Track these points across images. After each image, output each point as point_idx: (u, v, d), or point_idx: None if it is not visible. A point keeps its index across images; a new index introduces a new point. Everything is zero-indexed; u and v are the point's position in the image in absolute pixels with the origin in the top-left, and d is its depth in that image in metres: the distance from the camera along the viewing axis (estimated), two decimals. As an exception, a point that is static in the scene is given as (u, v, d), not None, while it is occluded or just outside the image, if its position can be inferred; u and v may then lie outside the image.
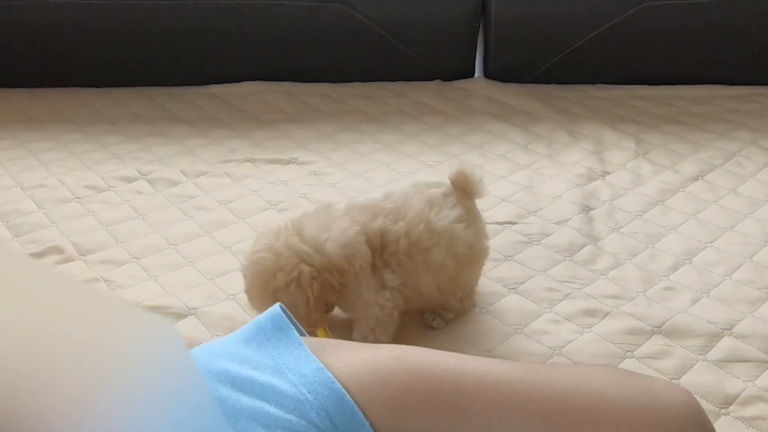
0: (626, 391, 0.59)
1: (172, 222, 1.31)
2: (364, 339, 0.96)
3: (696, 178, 1.41)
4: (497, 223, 1.26)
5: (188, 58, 1.89)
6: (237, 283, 1.12)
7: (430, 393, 0.53)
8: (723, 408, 0.89)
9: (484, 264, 1.05)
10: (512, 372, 0.57)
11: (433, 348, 0.94)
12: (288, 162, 1.51)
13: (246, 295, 0.97)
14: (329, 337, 0.96)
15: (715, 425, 0.86)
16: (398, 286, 0.95)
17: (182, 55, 1.88)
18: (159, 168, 1.49)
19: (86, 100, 1.83)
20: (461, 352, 0.96)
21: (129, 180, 1.44)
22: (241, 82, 1.87)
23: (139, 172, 1.46)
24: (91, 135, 1.65)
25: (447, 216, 0.96)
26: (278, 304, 0.66)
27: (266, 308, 0.90)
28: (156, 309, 1.06)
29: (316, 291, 0.91)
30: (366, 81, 1.88)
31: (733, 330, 1.00)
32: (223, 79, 1.89)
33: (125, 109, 1.77)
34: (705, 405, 0.89)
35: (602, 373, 0.63)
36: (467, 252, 0.97)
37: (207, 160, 1.53)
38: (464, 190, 1.01)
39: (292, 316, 0.63)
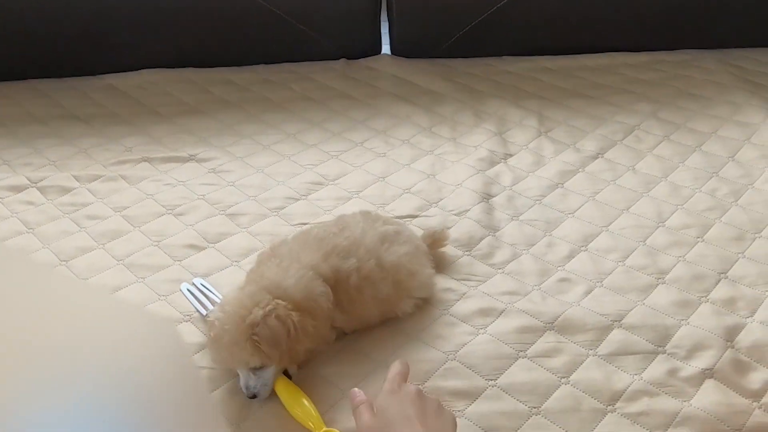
0: None
1: (64, 235, 1.26)
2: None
3: (596, 156, 1.42)
4: (398, 217, 1.25)
5: (84, 47, 1.80)
6: (129, 299, 1.10)
7: None
8: (610, 405, 0.91)
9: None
10: None
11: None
12: (187, 159, 1.46)
13: (211, 345, 0.93)
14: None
15: (602, 423, 0.89)
16: (347, 319, 0.98)
17: (78, 43, 1.79)
18: (51, 174, 1.42)
19: (-25, 98, 1.73)
20: (362, 366, 0.96)
21: (18, 189, 1.38)
22: (141, 71, 1.80)
23: (29, 180, 1.40)
24: (-22, 139, 1.57)
25: (396, 251, 1.02)
26: None
27: (234, 354, 0.89)
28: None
29: (296, 321, 0.89)
30: (271, 63, 1.84)
31: (623, 321, 1.02)
32: (122, 68, 1.81)
33: (17, 107, 1.69)
34: (593, 403, 0.91)
35: None
36: (408, 280, 1.02)
37: (101, 161, 1.47)
38: (433, 245, 1.12)
39: None
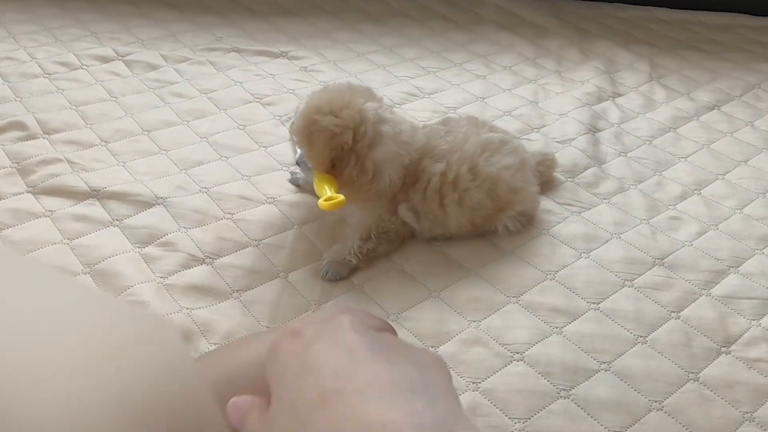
0: None
1: (148, 107, 1.21)
2: (366, 237, 0.91)
3: (712, 108, 1.32)
4: (497, 136, 1.17)
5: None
6: (211, 175, 1.05)
7: None
8: (724, 347, 0.82)
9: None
10: None
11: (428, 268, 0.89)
12: (278, 55, 1.40)
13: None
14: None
15: (714, 363, 0.81)
16: (417, 218, 0.93)
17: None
18: (138, 50, 1.37)
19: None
20: (451, 271, 0.90)
21: (105, 60, 1.33)
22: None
23: (116, 53, 1.35)
24: (68, 11, 1.53)
25: (497, 162, 0.94)
26: None
27: (297, 134, 0.91)
28: (121, 195, 0.98)
29: (342, 144, 0.88)
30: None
31: (740, 267, 0.93)
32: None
33: (108, -14, 1.64)
34: (705, 342, 0.83)
35: None
36: (509, 196, 0.95)
37: (191, 46, 1.42)
38: (542, 171, 1.04)
39: None
